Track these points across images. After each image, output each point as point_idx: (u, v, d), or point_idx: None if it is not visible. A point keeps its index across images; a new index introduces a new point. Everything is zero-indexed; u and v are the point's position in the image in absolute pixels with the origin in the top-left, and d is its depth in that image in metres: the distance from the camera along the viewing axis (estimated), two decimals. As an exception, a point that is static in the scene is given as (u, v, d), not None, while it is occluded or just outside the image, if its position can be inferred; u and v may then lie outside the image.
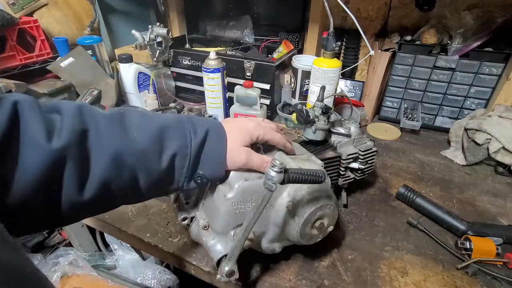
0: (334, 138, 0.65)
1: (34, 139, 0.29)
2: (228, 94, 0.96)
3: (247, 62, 0.98)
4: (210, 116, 0.94)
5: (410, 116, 1.00)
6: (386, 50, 0.97)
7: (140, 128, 0.37)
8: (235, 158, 0.42)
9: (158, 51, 1.04)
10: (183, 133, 0.39)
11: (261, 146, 0.49)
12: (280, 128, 0.52)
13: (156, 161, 0.37)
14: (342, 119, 0.68)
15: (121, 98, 0.99)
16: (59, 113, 0.32)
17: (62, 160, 0.30)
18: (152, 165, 0.37)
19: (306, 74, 0.97)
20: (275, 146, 0.50)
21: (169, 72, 1.13)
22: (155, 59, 1.05)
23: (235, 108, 0.96)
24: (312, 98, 0.89)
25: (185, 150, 0.38)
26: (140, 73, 0.96)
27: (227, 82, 0.96)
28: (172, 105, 1.03)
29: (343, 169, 0.63)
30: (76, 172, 0.31)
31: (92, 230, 1.12)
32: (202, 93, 1.05)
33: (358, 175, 0.66)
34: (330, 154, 0.62)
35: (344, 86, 1.10)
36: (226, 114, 0.98)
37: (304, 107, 0.62)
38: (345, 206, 0.67)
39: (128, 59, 0.93)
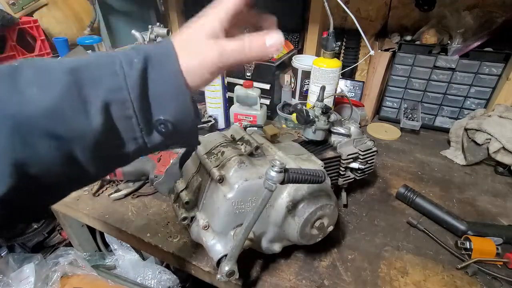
0: (334, 138, 0.65)
1: None
2: (228, 94, 0.96)
3: (247, 62, 0.98)
4: (210, 116, 0.94)
5: (410, 116, 1.00)
6: (386, 50, 0.97)
7: (41, 79, 0.25)
8: (199, 68, 0.29)
9: (158, 51, 1.04)
10: (110, 71, 0.27)
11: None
12: None
13: (82, 120, 0.25)
14: (342, 119, 0.68)
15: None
16: None
17: None
18: (78, 127, 0.25)
19: (306, 74, 0.97)
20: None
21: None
22: (155, 59, 1.05)
23: (235, 108, 0.96)
24: (312, 98, 0.89)
25: (119, 94, 0.26)
26: (140, 73, 0.96)
27: (227, 82, 0.95)
28: (172, 105, 1.03)
29: (343, 169, 0.63)
30: None
31: (92, 230, 1.12)
32: (202, 93, 1.05)
33: (358, 175, 0.66)
34: (330, 154, 0.62)
35: (344, 86, 1.10)
36: (226, 114, 0.98)
37: (304, 107, 0.62)
38: (345, 206, 0.67)
39: (128, 59, 0.93)
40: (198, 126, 0.33)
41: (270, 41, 0.31)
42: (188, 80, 0.29)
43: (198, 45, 0.30)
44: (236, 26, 0.34)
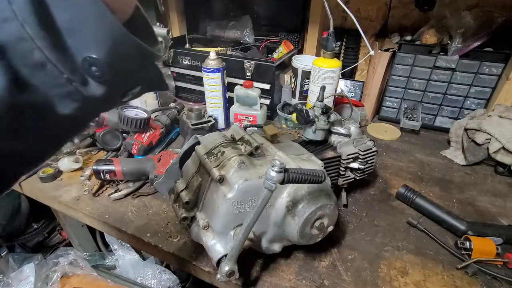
0: (334, 138, 0.65)
1: None
2: (228, 94, 0.96)
3: (247, 62, 0.98)
4: (210, 116, 0.94)
5: (410, 116, 1.00)
6: (386, 50, 0.97)
7: None
8: None
9: (158, 51, 1.04)
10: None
11: None
12: None
13: None
14: (342, 119, 0.68)
15: (121, 98, 0.99)
16: None
17: None
18: None
19: (306, 74, 0.97)
20: None
21: (169, 72, 1.13)
22: (155, 59, 1.05)
23: (235, 108, 0.96)
24: (312, 98, 0.89)
25: (7, 30, 0.18)
26: (140, 73, 0.96)
27: (227, 82, 0.96)
28: (172, 105, 1.03)
29: (343, 169, 0.63)
30: None
31: (92, 230, 1.12)
32: (202, 93, 1.05)
33: (358, 175, 0.66)
34: (330, 154, 0.62)
35: (344, 86, 1.10)
36: (226, 114, 0.98)
37: (304, 107, 0.62)
38: (345, 206, 0.67)
39: (128, 59, 0.93)
40: (158, 56, 0.25)
41: None
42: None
43: None
44: None
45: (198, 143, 0.52)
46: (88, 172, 0.73)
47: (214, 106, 0.94)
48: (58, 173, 0.75)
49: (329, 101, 0.87)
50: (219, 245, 0.45)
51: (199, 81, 1.02)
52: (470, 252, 0.55)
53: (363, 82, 1.08)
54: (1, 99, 0.18)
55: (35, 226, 1.24)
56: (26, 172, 0.26)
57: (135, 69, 0.23)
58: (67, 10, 0.19)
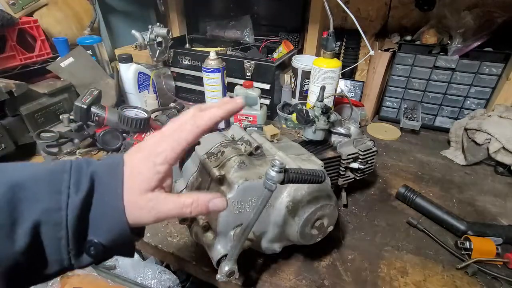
0: (334, 138, 0.65)
1: None
2: (228, 94, 0.96)
3: (247, 62, 0.98)
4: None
5: (410, 116, 1.00)
6: (386, 50, 0.97)
7: None
8: (135, 213, 0.29)
9: (158, 51, 1.04)
10: (55, 188, 0.26)
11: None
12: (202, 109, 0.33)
13: (5, 241, 0.24)
14: (342, 119, 0.68)
15: (121, 98, 0.99)
16: None
17: None
18: None
19: (306, 74, 0.97)
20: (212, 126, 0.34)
21: (169, 72, 1.13)
22: (155, 59, 1.05)
23: (235, 108, 0.96)
24: (312, 98, 0.89)
25: (55, 215, 0.26)
26: (140, 73, 0.96)
27: (227, 82, 0.96)
28: (172, 105, 1.03)
29: (343, 169, 0.63)
30: None
31: (92, 230, 1.12)
32: (202, 93, 1.05)
33: (358, 175, 0.66)
34: (330, 154, 0.62)
35: (344, 86, 1.10)
36: (226, 114, 0.97)
37: (304, 107, 0.62)
38: (345, 206, 0.67)
39: (128, 59, 0.93)
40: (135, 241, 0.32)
41: (213, 207, 0.31)
42: (129, 215, 0.28)
43: (136, 201, 0.29)
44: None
45: (198, 143, 0.52)
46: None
47: (214, 106, 0.94)
48: (58, 173, 0.75)
49: (329, 101, 0.87)
50: (219, 245, 0.45)
51: (199, 81, 1.02)
52: (470, 252, 0.55)
53: (363, 82, 1.08)
54: (18, 257, 0.24)
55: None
56: None
57: (118, 251, 0.31)
58: (99, 212, 0.27)
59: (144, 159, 0.30)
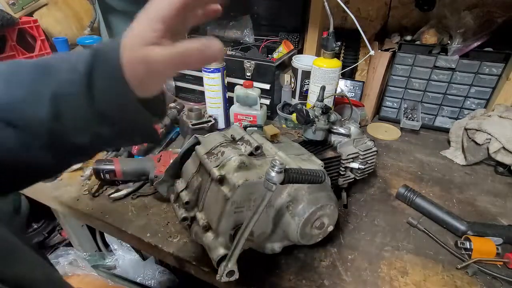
0: (334, 138, 0.65)
1: None
2: (228, 94, 0.96)
3: (247, 62, 0.98)
4: (210, 116, 0.94)
5: (410, 116, 1.00)
6: (386, 50, 0.97)
7: (8, 77, 0.30)
8: (134, 69, 0.29)
9: (158, 51, 1.04)
10: (69, 66, 0.30)
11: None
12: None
13: (35, 110, 0.29)
14: (342, 119, 0.68)
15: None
16: None
17: None
18: (31, 116, 0.29)
19: (306, 74, 0.97)
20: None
21: (169, 72, 1.13)
22: (155, 59, 1.05)
23: (235, 108, 0.96)
24: (312, 98, 0.89)
25: (73, 87, 0.29)
26: (140, 73, 0.96)
27: (227, 82, 0.95)
28: (172, 105, 1.03)
29: (343, 169, 0.63)
30: None
31: (92, 230, 1.12)
32: (202, 93, 1.05)
33: (358, 175, 0.66)
34: (330, 154, 0.62)
35: (344, 86, 1.10)
36: (226, 114, 0.98)
37: (304, 107, 0.62)
38: (345, 206, 0.67)
39: (128, 59, 0.93)
40: (154, 122, 0.35)
41: (210, 52, 0.30)
42: (131, 81, 0.29)
43: (132, 54, 0.29)
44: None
45: (198, 143, 0.52)
46: (88, 172, 0.73)
47: (214, 106, 0.94)
48: (58, 173, 0.75)
49: (329, 101, 0.87)
50: (219, 245, 0.45)
51: (199, 81, 1.02)
52: (470, 252, 0.55)
53: (363, 82, 1.08)
54: (49, 123, 0.29)
55: (35, 226, 1.24)
56: (39, 180, 0.36)
57: (132, 125, 0.33)
58: (103, 82, 0.29)
59: (140, 21, 0.30)
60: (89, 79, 0.29)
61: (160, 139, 0.69)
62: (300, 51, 1.21)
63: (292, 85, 1.04)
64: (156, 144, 0.50)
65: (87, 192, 0.69)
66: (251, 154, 0.49)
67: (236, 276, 0.44)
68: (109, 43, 0.31)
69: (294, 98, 1.05)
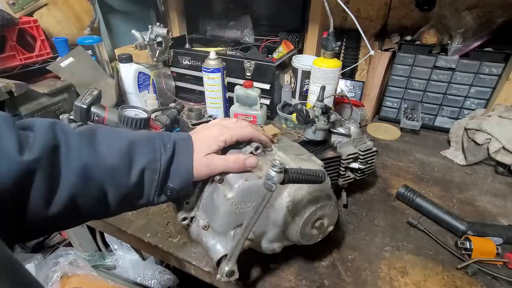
0: (334, 138, 0.65)
1: (6, 152, 0.30)
2: (228, 94, 0.96)
3: (247, 62, 0.98)
4: (210, 116, 0.94)
5: (410, 116, 1.00)
6: (386, 50, 0.97)
7: (109, 143, 0.38)
8: (199, 168, 0.43)
9: (158, 51, 1.04)
10: (152, 148, 0.40)
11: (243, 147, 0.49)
12: (258, 128, 0.51)
13: (125, 176, 0.38)
14: (342, 119, 0.68)
15: (121, 98, 0.99)
16: (32, 130, 0.34)
17: (31, 172, 0.31)
18: (121, 180, 0.37)
19: (306, 74, 0.97)
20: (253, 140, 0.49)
21: (169, 72, 1.13)
22: (155, 59, 1.05)
23: (235, 108, 0.96)
24: (312, 98, 0.89)
25: (154, 165, 0.39)
26: (140, 73, 0.96)
27: (227, 82, 0.96)
28: (172, 105, 1.03)
29: (343, 169, 0.63)
30: (44, 185, 0.32)
31: (92, 230, 1.12)
32: (202, 93, 1.05)
33: (358, 175, 0.66)
34: (330, 154, 0.62)
35: (344, 86, 1.10)
36: (226, 114, 0.98)
37: (304, 107, 0.62)
38: (345, 206, 0.67)
39: (128, 59, 0.93)
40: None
41: (248, 163, 0.44)
42: (194, 171, 0.43)
43: (201, 159, 0.43)
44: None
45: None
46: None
47: (214, 106, 0.94)
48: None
49: (329, 101, 0.87)
50: (219, 245, 0.45)
51: (199, 81, 1.02)
52: (470, 252, 0.55)
53: (363, 82, 1.08)
54: (130, 188, 0.39)
55: (35, 226, 1.23)
56: (95, 219, 0.49)
57: (183, 195, 0.46)
58: (178, 165, 0.42)
59: (210, 137, 0.45)
60: (170, 164, 0.41)
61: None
62: (300, 51, 1.21)
63: (292, 85, 1.04)
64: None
65: (87, 192, 0.69)
66: (251, 154, 0.49)
67: (236, 276, 0.44)
68: (185, 139, 0.44)
69: (294, 98, 1.06)
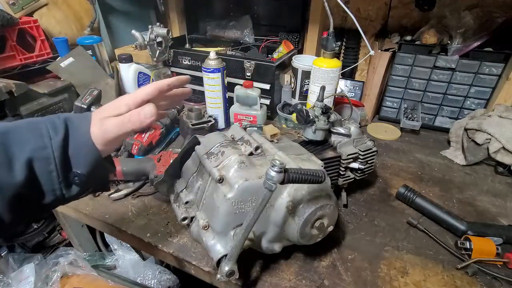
0: (334, 138, 0.65)
1: None
2: (228, 94, 0.96)
3: (247, 62, 0.98)
4: (210, 116, 0.94)
5: (410, 116, 1.00)
6: (386, 50, 0.97)
7: None
8: (101, 137, 0.36)
9: (158, 51, 1.04)
10: (37, 133, 0.33)
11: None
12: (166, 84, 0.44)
13: (6, 174, 0.31)
14: (342, 119, 0.68)
15: (121, 98, 0.99)
16: None
17: None
18: (1, 180, 0.31)
19: (306, 74, 0.97)
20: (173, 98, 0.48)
21: (169, 72, 1.13)
22: (155, 59, 1.05)
23: (235, 108, 0.96)
24: (312, 98, 0.89)
25: (44, 152, 0.33)
26: (140, 73, 0.96)
27: (227, 82, 0.95)
28: (172, 105, 1.03)
29: (343, 169, 0.63)
30: None
31: (92, 230, 1.12)
32: (202, 93, 1.05)
33: (358, 175, 0.66)
34: (330, 154, 0.62)
35: (344, 86, 1.10)
36: (226, 114, 0.98)
37: (304, 107, 0.62)
38: (345, 206, 0.67)
39: (128, 59, 0.93)
40: (112, 172, 0.42)
41: (144, 114, 0.38)
42: (96, 144, 0.36)
43: (95, 123, 0.37)
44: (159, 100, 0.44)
45: (198, 143, 0.52)
46: (88, 172, 0.73)
47: (214, 106, 0.94)
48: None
49: (329, 101, 0.87)
50: (219, 245, 0.45)
51: (199, 81, 1.02)
52: (470, 252, 0.55)
53: (363, 82, 1.08)
54: (18, 188, 0.31)
55: (35, 226, 1.23)
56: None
57: (98, 181, 0.39)
58: (76, 147, 0.35)
59: (111, 104, 0.39)
60: (64, 146, 0.34)
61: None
62: (300, 51, 1.21)
63: (292, 85, 1.04)
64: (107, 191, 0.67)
65: (87, 192, 0.69)
66: (251, 154, 0.49)
67: (236, 276, 0.44)
68: (81, 115, 0.38)
69: (294, 98, 1.06)
